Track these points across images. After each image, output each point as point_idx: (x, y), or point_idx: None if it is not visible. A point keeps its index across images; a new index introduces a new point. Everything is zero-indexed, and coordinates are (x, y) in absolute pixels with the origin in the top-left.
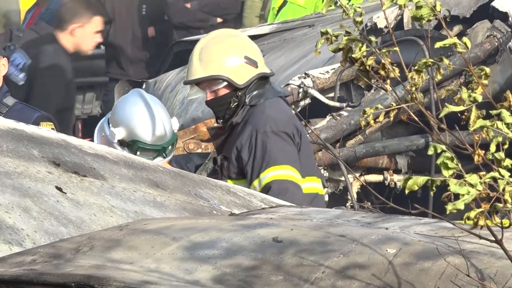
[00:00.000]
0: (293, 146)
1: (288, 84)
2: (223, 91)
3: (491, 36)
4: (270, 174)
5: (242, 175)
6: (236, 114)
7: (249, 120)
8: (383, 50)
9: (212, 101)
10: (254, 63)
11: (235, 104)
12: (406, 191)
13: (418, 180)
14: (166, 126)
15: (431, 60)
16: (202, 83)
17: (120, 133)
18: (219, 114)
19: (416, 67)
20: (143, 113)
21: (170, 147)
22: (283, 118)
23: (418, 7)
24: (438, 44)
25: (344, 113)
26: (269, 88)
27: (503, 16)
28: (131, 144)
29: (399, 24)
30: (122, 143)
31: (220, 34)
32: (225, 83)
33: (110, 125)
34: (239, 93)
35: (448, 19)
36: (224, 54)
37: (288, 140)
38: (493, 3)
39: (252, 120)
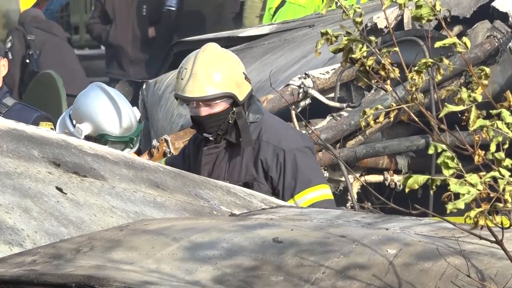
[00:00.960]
0: (315, 158)
1: (288, 85)
2: (222, 107)
3: (491, 37)
4: (307, 197)
5: (275, 194)
6: (230, 130)
7: (262, 137)
8: (383, 50)
9: (209, 116)
10: (248, 79)
11: (233, 119)
12: (407, 190)
13: (419, 179)
14: (131, 117)
15: (431, 60)
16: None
17: (86, 129)
18: (211, 130)
19: (416, 68)
20: (107, 106)
21: (136, 137)
22: (297, 133)
23: (418, 7)
24: (438, 44)
25: (344, 114)
26: (257, 102)
27: (503, 17)
28: (99, 138)
29: (399, 24)
30: (88, 138)
31: (214, 49)
32: (230, 99)
33: (74, 121)
34: (235, 109)
35: (448, 19)
36: (230, 71)
37: (310, 153)
38: (493, 3)
39: (268, 138)
